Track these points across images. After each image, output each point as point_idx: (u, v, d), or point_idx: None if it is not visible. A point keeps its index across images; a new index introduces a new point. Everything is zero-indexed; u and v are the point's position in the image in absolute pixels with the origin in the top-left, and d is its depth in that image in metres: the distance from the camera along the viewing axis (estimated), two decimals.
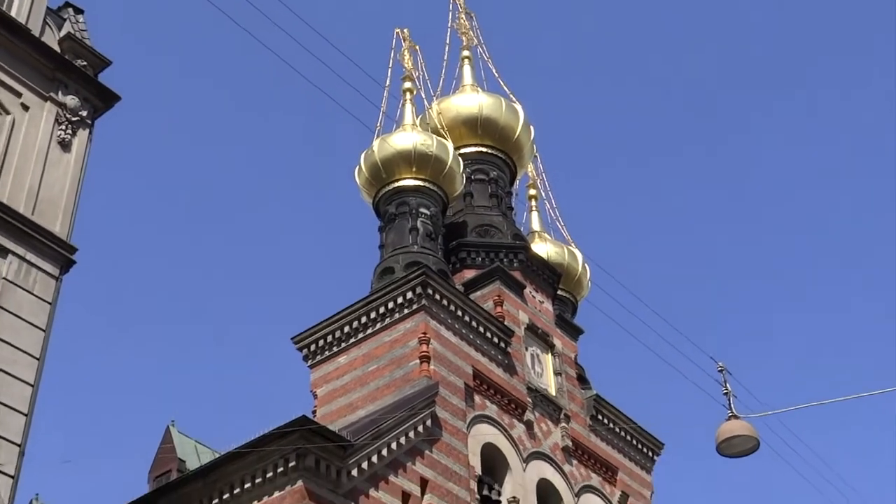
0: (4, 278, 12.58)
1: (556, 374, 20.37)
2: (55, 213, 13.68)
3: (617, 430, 21.31)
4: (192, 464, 19.24)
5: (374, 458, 15.35)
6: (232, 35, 33.69)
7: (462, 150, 23.05)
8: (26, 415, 11.75)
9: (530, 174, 26.99)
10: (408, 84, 23.73)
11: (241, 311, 58.85)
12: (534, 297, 21.62)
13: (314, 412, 17.79)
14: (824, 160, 65.39)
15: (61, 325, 13.67)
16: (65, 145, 14.17)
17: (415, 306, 18.11)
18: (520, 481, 18.21)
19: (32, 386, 12.04)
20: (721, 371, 12.01)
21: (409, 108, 23.24)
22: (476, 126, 23.87)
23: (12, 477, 11.16)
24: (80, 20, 14.99)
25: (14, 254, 12.81)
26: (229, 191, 61.83)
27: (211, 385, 55.08)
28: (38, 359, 12.29)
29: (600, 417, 20.78)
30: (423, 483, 15.94)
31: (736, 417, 11.30)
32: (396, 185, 21.73)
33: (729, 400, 11.61)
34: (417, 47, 24.41)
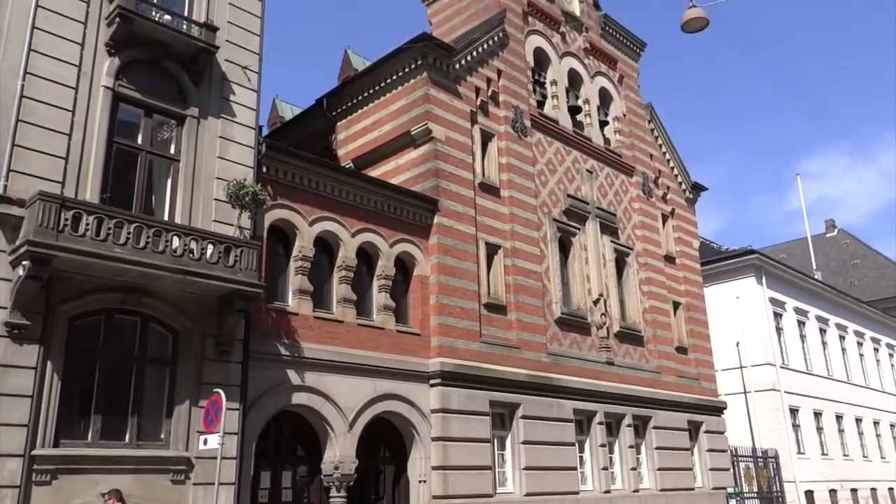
0: None
1: (580, 1, 23.48)
2: None
3: (616, 35, 24.28)
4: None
5: (468, 57, 18.37)
6: None
7: None
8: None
9: None
10: None
11: None
12: None
13: (431, 33, 20.10)
14: None
15: None
16: None
17: None
18: (557, 70, 21.77)
19: None
20: None
21: None
22: None
23: (257, 72, 13.61)
24: None
25: None
26: None
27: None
28: None
29: (607, 28, 24.12)
30: (498, 73, 19.19)
31: (694, 6, 12.81)
32: None
33: None
34: None
